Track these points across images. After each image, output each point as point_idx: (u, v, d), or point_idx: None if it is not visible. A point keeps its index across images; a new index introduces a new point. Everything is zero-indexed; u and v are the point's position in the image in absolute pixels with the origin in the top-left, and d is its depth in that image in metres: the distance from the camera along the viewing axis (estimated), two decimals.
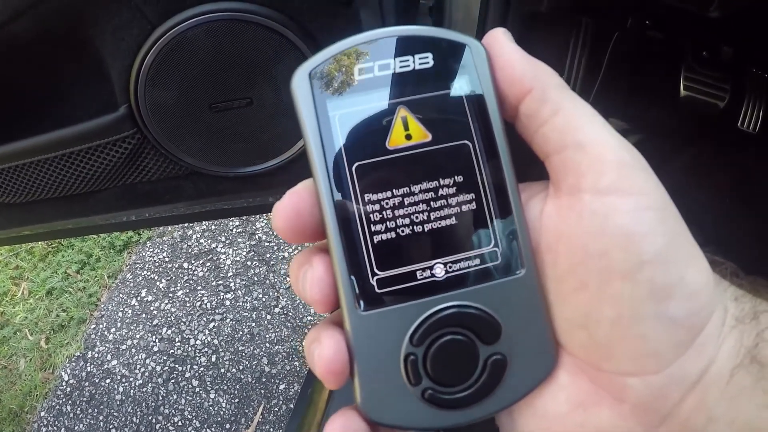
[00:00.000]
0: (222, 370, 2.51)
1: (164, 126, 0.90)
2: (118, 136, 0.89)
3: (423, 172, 0.36)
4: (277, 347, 2.55)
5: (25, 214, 1.02)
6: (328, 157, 0.35)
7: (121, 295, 2.82)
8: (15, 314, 2.83)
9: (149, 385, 2.51)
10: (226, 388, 2.46)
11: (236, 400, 2.42)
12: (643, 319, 0.33)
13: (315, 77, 0.36)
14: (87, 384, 2.55)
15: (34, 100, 0.86)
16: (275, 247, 2.89)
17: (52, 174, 0.93)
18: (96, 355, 2.64)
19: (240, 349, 2.56)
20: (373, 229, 0.35)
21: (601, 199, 0.33)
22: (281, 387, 2.44)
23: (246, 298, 2.72)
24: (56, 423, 2.47)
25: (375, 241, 0.35)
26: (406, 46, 0.36)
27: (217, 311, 2.69)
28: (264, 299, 2.70)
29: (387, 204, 0.35)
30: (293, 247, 2.87)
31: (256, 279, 2.78)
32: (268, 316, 2.65)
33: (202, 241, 2.97)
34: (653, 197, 0.33)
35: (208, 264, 2.87)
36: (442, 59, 0.36)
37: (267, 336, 2.59)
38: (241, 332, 2.61)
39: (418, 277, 0.35)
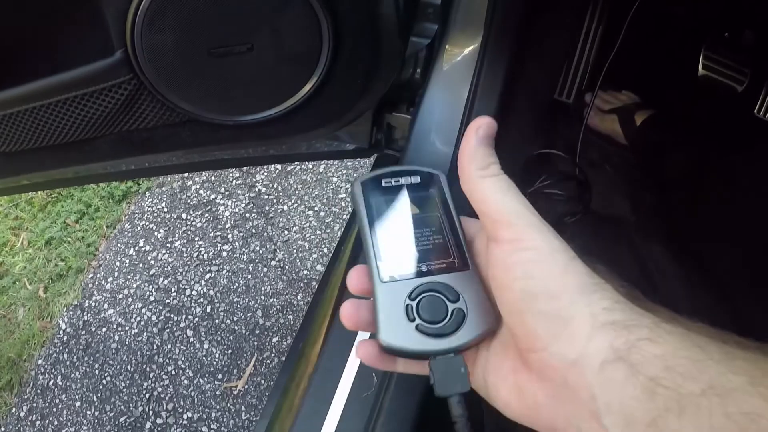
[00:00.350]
0: (216, 321, 2.53)
1: (161, 71, 0.88)
2: (114, 82, 0.87)
3: (416, 226, 0.62)
4: (272, 300, 2.56)
5: (20, 163, 1.01)
6: (369, 221, 0.62)
7: (119, 245, 2.84)
8: (14, 264, 2.84)
9: (144, 334, 2.53)
10: (219, 339, 2.48)
11: (229, 351, 2.45)
12: (522, 312, 0.49)
13: (364, 185, 0.64)
14: (84, 333, 2.57)
15: (27, 46, 0.84)
16: (274, 200, 2.89)
17: (46, 121, 0.91)
18: (93, 304, 2.66)
19: (235, 300, 2.58)
20: (389, 249, 0.59)
21: (498, 245, 0.53)
22: (274, 340, 2.46)
23: (243, 250, 2.73)
24: (53, 371, 2.50)
25: (390, 254, 0.59)
26: (407, 173, 0.65)
27: (213, 262, 2.70)
28: (261, 252, 2.71)
29: (397, 239, 0.60)
30: (292, 200, 2.87)
31: (254, 231, 2.79)
32: (265, 269, 2.66)
33: (201, 192, 2.97)
34: (529, 242, 0.51)
35: (207, 215, 2.88)
36: (424, 178, 0.65)
37: (262, 288, 2.60)
38: (236, 284, 2.63)
39: (414, 270, 0.58)
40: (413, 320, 0.55)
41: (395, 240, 0.60)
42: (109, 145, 0.99)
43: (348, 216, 2.62)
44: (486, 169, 0.56)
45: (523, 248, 0.51)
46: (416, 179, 0.65)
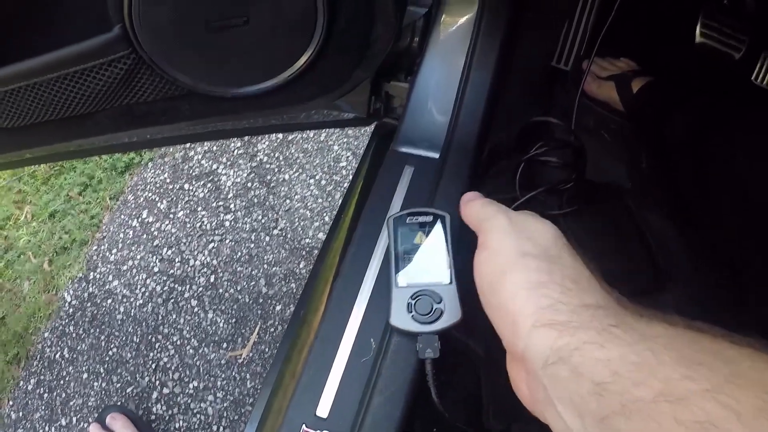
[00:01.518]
0: (220, 291, 2.55)
1: (159, 45, 0.88)
2: (113, 57, 0.88)
3: (423, 251, 0.80)
4: (274, 269, 2.58)
5: (22, 138, 1.01)
6: (395, 246, 0.81)
7: (122, 217, 2.84)
8: (18, 238, 2.84)
9: (149, 305, 2.55)
10: (224, 308, 2.50)
11: (233, 320, 2.47)
12: (483, 305, 0.61)
13: (393, 219, 0.83)
14: (89, 305, 2.59)
15: (25, 23, 0.84)
16: (276, 169, 2.89)
17: (47, 97, 0.92)
18: (98, 276, 2.67)
19: (238, 270, 2.59)
20: (404, 266, 0.79)
21: (479, 249, 0.64)
22: (278, 308, 2.48)
23: (245, 219, 2.74)
24: (59, 343, 2.52)
25: (404, 269, 0.79)
26: (422, 212, 0.83)
27: (216, 232, 2.71)
28: (263, 221, 2.72)
29: (411, 258, 0.79)
30: (294, 169, 2.88)
31: (256, 200, 2.79)
32: (267, 238, 2.67)
33: (203, 162, 2.97)
34: (488, 244, 0.62)
35: (209, 185, 2.88)
36: (434, 217, 0.82)
37: (265, 257, 2.61)
38: (239, 253, 2.64)
39: (417, 281, 0.77)
40: (411, 312, 0.75)
41: (409, 260, 0.80)
42: (110, 119, 0.99)
43: (348, 184, 2.63)
44: (477, 197, 0.74)
45: (482, 249, 0.63)
46: (429, 217, 0.83)
